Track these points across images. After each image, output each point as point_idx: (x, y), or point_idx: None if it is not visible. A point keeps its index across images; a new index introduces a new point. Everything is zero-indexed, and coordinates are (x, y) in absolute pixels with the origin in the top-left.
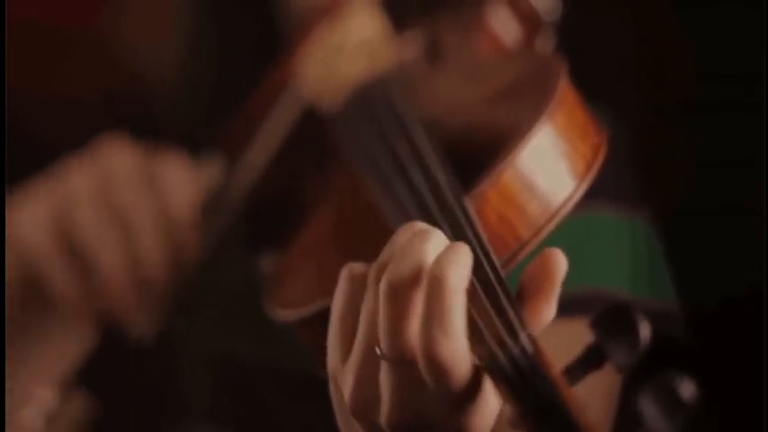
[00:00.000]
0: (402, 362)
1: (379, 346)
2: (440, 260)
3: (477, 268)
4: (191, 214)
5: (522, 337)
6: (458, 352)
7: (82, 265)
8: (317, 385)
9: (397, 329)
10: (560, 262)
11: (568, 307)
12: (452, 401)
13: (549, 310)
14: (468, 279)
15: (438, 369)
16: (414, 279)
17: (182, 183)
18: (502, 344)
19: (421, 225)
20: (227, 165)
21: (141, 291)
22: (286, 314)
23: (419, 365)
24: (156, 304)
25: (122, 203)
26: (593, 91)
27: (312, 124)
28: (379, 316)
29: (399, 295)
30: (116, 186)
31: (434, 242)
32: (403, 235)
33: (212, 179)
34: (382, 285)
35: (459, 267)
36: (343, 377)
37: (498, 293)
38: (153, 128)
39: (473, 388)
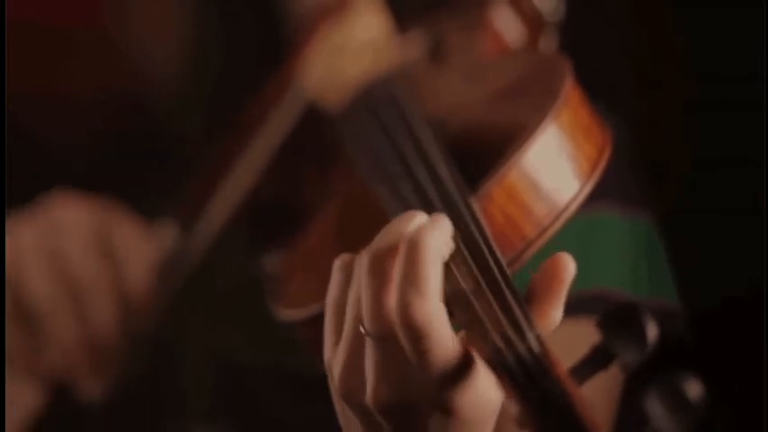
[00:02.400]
0: (384, 336)
1: (362, 325)
2: (418, 228)
3: (483, 267)
4: (145, 279)
5: (530, 336)
6: (433, 314)
7: (33, 329)
8: (316, 385)
9: (376, 302)
10: (569, 266)
11: (571, 307)
12: (436, 378)
13: (557, 313)
14: (448, 246)
15: (414, 331)
16: (392, 248)
17: (136, 247)
18: (509, 343)
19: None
20: (183, 228)
21: (91, 355)
22: (289, 314)
23: (398, 333)
24: (106, 368)
25: (75, 268)
26: (594, 91)
27: (316, 124)
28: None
29: (378, 266)
30: (69, 250)
31: (417, 220)
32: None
33: (167, 242)
34: (363, 262)
35: (436, 233)
36: (334, 363)
37: (505, 292)
38: (153, 127)
39: (458, 366)
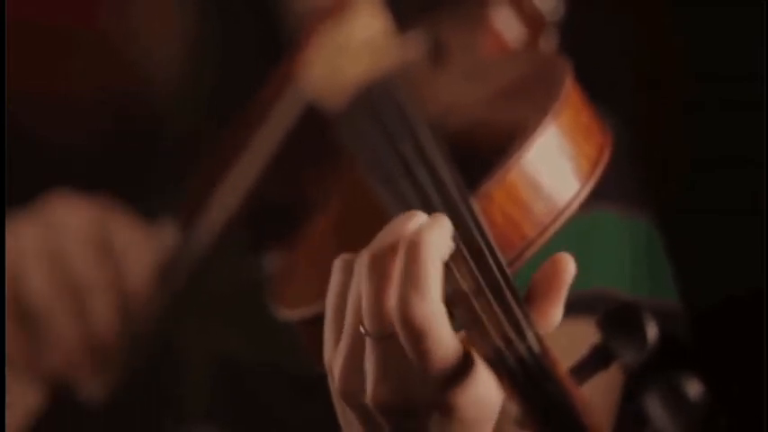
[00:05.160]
0: (384, 336)
1: (363, 325)
2: (418, 227)
3: (484, 267)
4: (145, 280)
5: (530, 336)
6: (432, 313)
7: (33, 329)
8: (316, 385)
9: (376, 301)
10: (569, 266)
11: (570, 307)
12: (436, 378)
13: (557, 313)
14: (448, 246)
15: (413, 331)
16: (392, 248)
17: (136, 248)
18: (509, 343)
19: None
20: (183, 228)
21: (92, 355)
22: (289, 314)
23: (397, 332)
24: (107, 368)
25: (75, 268)
26: (593, 91)
27: (316, 124)
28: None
29: (378, 265)
30: (69, 250)
31: (417, 220)
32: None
33: (167, 241)
34: (363, 261)
35: (436, 232)
36: (334, 363)
37: (505, 292)
38: (154, 127)
39: (458, 366)
